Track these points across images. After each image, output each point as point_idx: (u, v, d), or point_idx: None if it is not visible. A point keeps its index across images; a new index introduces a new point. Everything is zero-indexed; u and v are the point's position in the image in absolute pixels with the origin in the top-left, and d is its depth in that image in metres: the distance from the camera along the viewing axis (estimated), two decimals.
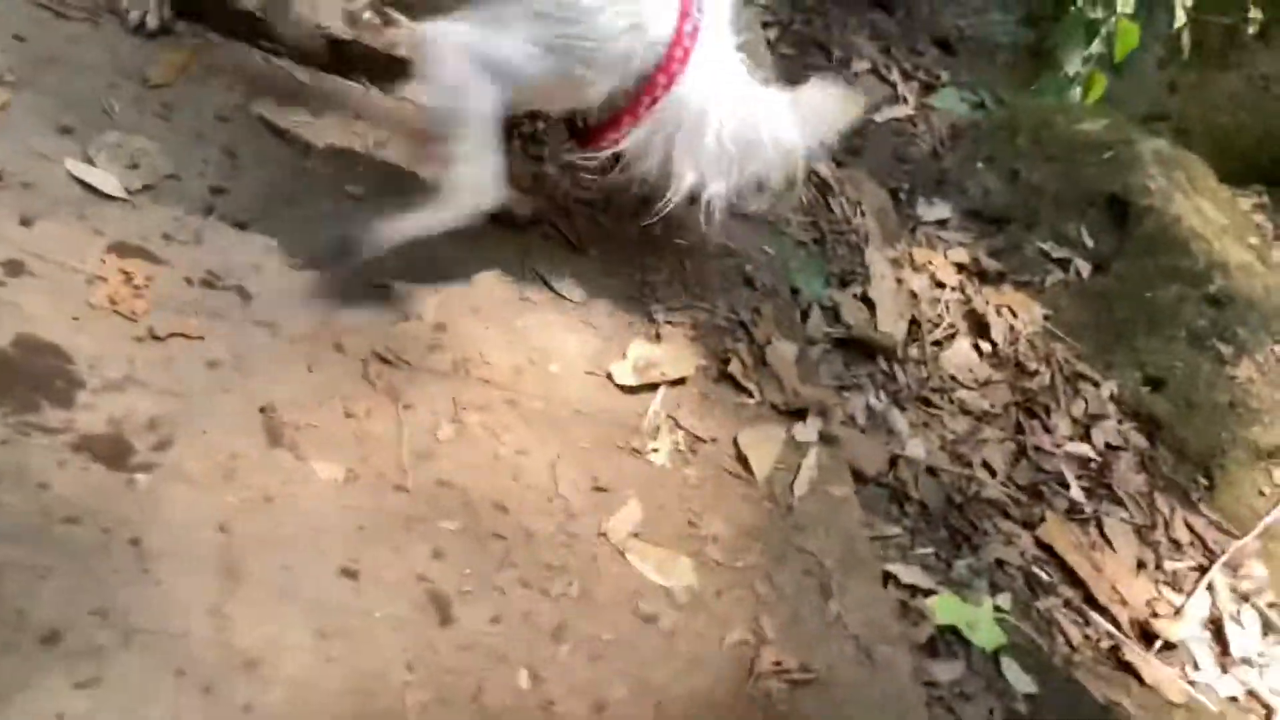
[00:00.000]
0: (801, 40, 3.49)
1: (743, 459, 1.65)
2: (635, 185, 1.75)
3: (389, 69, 1.93)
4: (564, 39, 1.53)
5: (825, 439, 1.78)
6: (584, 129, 1.74)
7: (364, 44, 1.97)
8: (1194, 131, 4.32)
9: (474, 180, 1.58)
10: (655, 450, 1.59)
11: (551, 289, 1.77)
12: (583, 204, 1.98)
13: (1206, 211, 2.79)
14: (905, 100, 3.31)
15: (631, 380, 1.68)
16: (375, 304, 1.57)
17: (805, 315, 2.24)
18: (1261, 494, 2.33)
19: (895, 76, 3.38)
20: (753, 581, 1.48)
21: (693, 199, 1.74)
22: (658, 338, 1.79)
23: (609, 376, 1.67)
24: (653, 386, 1.70)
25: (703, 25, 1.63)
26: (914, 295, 2.49)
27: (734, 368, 1.79)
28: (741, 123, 1.66)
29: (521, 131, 2.05)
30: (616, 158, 1.73)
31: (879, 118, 3.16)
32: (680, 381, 1.73)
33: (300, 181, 1.69)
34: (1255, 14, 3.57)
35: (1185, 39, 3.60)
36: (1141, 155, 2.84)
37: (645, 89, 1.61)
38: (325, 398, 1.41)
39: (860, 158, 2.96)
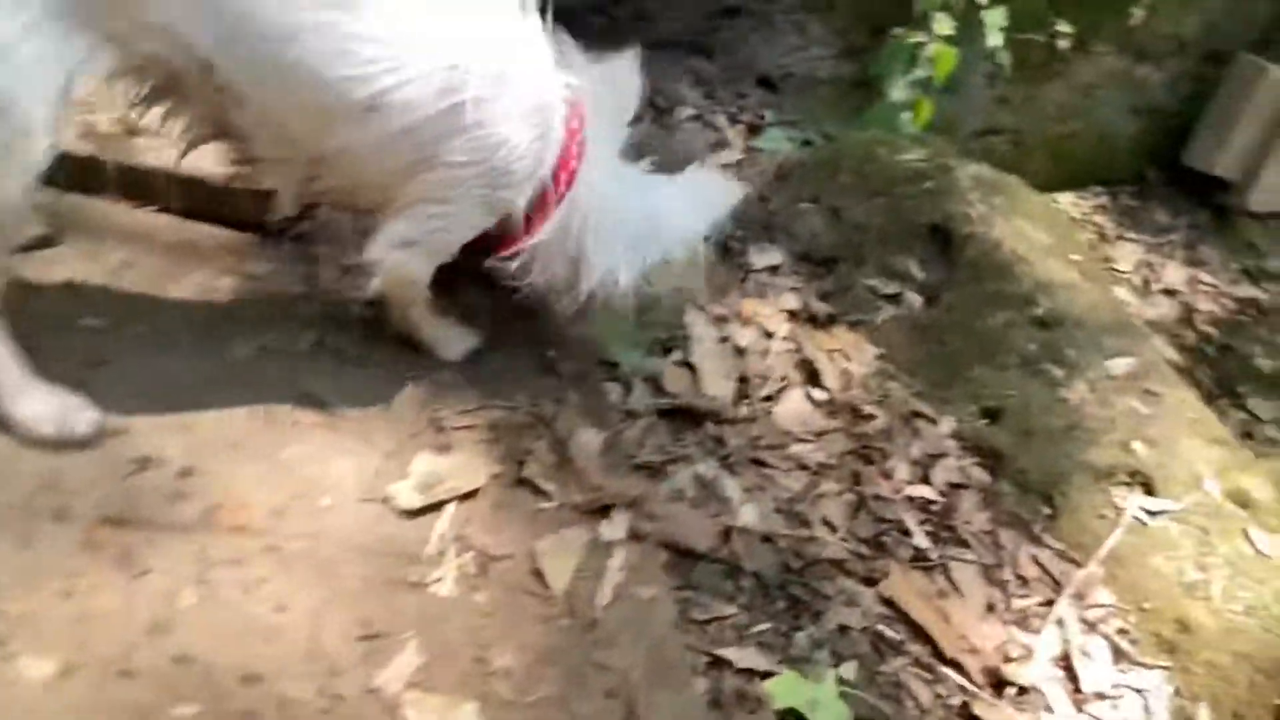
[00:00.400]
0: None
1: (539, 573, 1.54)
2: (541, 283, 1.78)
3: (135, 182, 1.79)
4: (490, 181, 1.57)
5: (634, 535, 1.68)
6: (493, 238, 1.71)
7: (106, 158, 1.82)
8: (1029, 143, 4.43)
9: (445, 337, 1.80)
10: (439, 580, 1.47)
11: (325, 408, 1.65)
12: (361, 305, 1.87)
13: (1028, 233, 2.81)
14: (732, 145, 3.28)
15: (415, 502, 1.56)
16: (107, 456, 1.42)
17: (627, 390, 2.16)
18: (1102, 517, 2.31)
19: (721, 121, 3.35)
20: (547, 717, 1.36)
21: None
22: (447, 448, 1.68)
23: (388, 501, 1.55)
24: (440, 505, 1.58)
25: (586, 113, 1.65)
26: (741, 351, 2.43)
27: (531, 470, 1.69)
28: (642, 209, 1.73)
29: (293, 232, 1.93)
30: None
31: (707, 165, 3.11)
32: (471, 494, 1.62)
33: (24, 323, 1.53)
34: (1065, 28, 3.64)
35: (1004, 58, 3.66)
36: (960, 182, 2.84)
37: (553, 186, 1.64)
38: (40, 578, 1.26)
39: None
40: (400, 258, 1.62)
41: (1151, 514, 2.30)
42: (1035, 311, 2.61)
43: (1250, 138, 4.46)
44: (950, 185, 2.82)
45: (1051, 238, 2.82)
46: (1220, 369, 4.09)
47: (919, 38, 3.52)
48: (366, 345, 1.77)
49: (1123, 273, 4.37)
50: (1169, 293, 4.36)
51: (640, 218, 1.74)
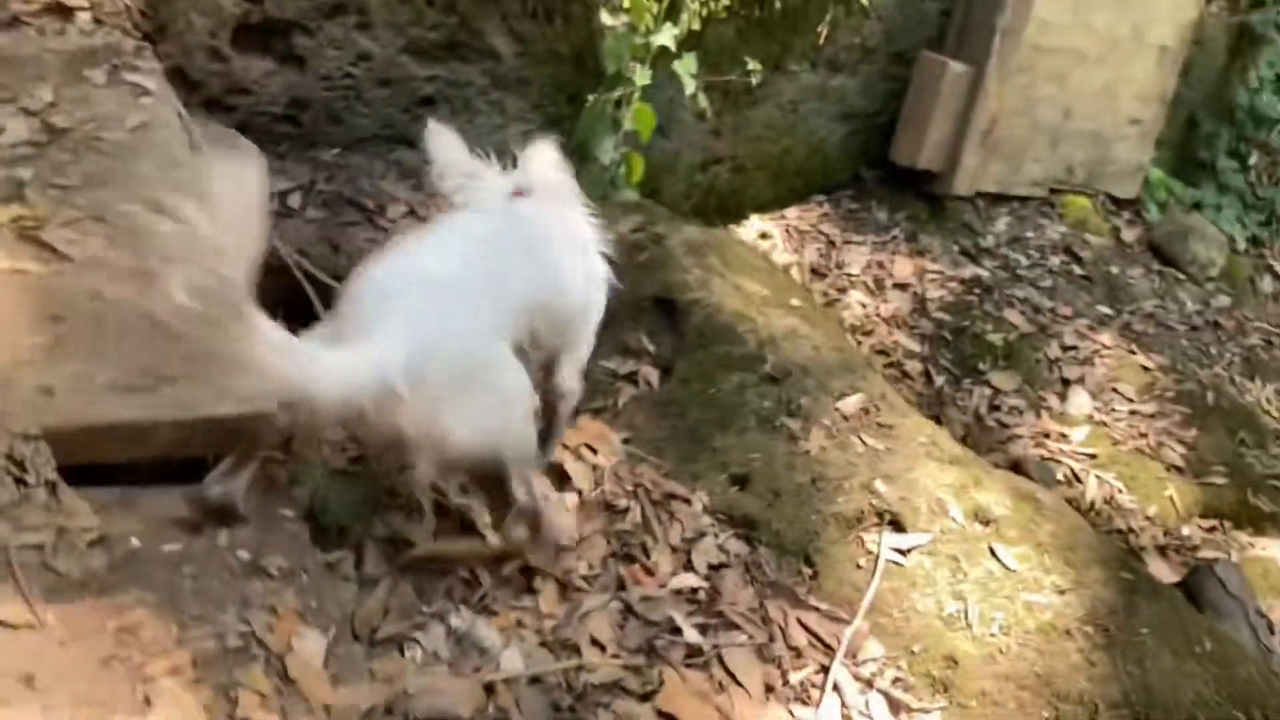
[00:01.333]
0: (329, 199, 3.28)
1: None
2: None
3: None
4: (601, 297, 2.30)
5: None
6: None
7: None
8: (748, 167, 4.56)
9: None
10: None
11: None
12: (31, 550, 1.65)
13: (746, 287, 2.86)
14: None
15: None
16: None
17: (359, 555, 2.02)
18: (859, 567, 2.36)
19: (428, 213, 3.25)
20: None
21: None
22: (145, 703, 1.49)
23: None
24: None
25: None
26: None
27: (246, 705, 1.53)
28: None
29: None
30: None
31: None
32: None
33: None
34: (755, 66, 3.75)
35: (702, 101, 3.73)
36: (674, 250, 2.86)
37: None
38: None
39: None
40: (579, 379, 2.29)
41: (904, 552, 2.38)
42: (764, 368, 2.66)
43: (944, 129, 4.76)
44: (665, 254, 2.84)
45: (769, 288, 2.88)
46: (959, 351, 4.34)
47: (615, 95, 3.54)
48: (39, 596, 1.55)
49: (854, 276, 4.56)
50: (901, 286, 4.59)
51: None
